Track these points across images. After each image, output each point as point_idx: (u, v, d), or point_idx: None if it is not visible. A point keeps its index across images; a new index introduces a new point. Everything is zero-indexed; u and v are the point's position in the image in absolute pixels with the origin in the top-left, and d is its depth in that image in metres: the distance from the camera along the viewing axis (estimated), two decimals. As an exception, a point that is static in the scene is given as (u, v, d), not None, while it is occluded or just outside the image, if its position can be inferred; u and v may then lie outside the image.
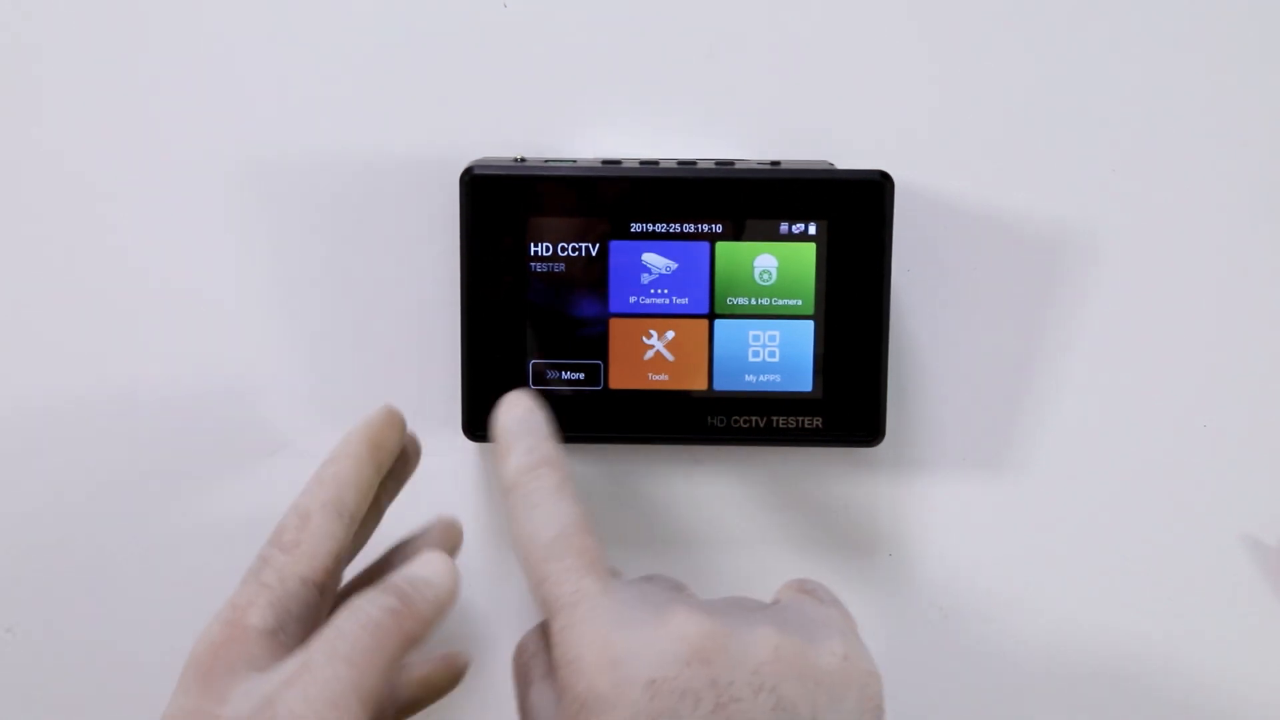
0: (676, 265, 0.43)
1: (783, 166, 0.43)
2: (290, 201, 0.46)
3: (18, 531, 0.47)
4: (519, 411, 0.38)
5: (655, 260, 0.43)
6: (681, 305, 0.43)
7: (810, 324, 0.43)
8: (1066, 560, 0.48)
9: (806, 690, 0.33)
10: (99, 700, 0.48)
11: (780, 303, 0.43)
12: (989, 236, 0.46)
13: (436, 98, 0.46)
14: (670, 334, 0.43)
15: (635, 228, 0.43)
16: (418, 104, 0.46)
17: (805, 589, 0.38)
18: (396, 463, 0.41)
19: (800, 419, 0.44)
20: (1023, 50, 0.45)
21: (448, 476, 0.45)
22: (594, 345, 0.43)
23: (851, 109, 0.46)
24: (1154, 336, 0.47)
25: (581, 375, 0.44)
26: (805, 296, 0.43)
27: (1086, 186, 0.46)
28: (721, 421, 0.44)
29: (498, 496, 0.45)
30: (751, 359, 0.44)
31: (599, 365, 0.44)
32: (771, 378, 0.44)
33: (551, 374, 0.44)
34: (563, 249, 0.43)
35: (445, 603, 0.36)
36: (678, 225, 0.43)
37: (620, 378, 0.44)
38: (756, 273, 0.43)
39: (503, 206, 0.43)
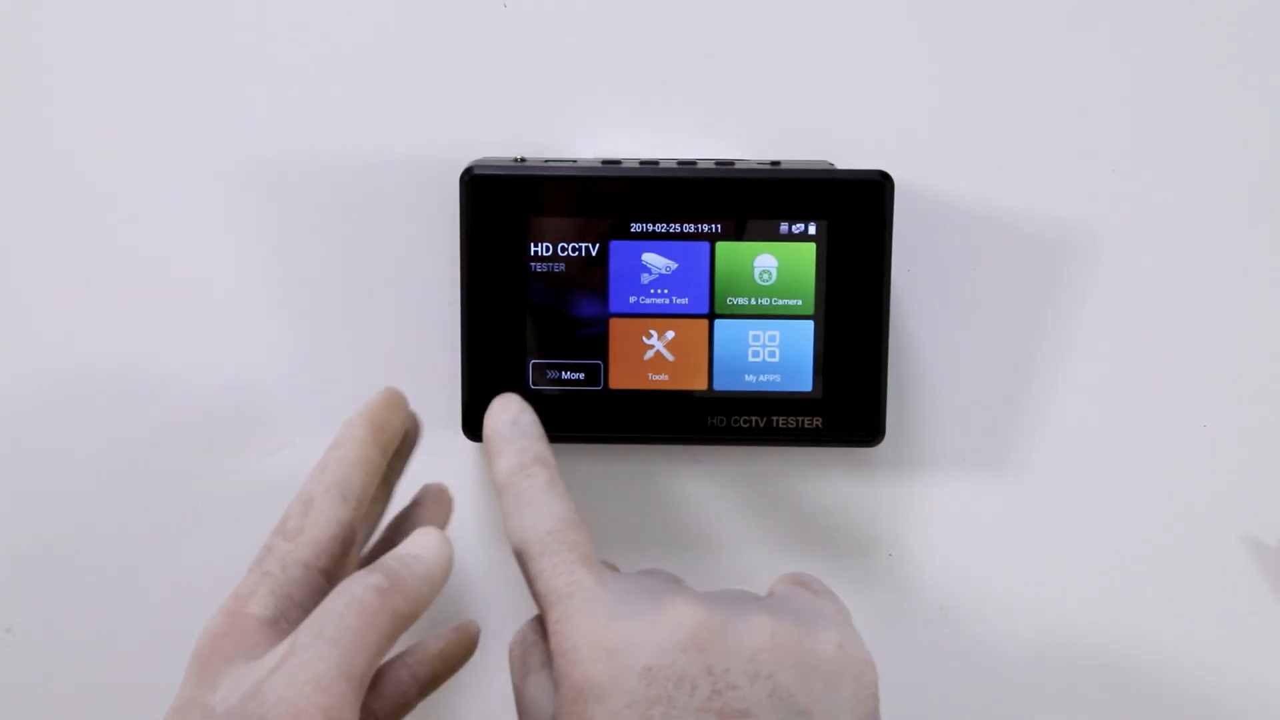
0: (676, 265, 0.43)
1: (783, 166, 0.43)
2: (290, 201, 0.46)
3: (18, 531, 0.47)
4: (509, 414, 0.39)
5: (655, 260, 0.43)
6: (681, 305, 0.43)
7: (810, 324, 0.43)
8: (1066, 560, 0.47)
9: (803, 677, 0.33)
10: (99, 700, 0.48)
11: (780, 303, 0.43)
12: (989, 236, 0.46)
13: (436, 98, 0.46)
14: (670, 334, 0.43)
15: (635, 228, 0.43)
16: (417, 104, 0.46)
17: (799, 581, 0.38)
18: (401, 442, 0.41)
19: (800, 419, 0.44)
20: (1023, 50, 0.45)
21: (448, 476, 0.45)
22: (594, 345, 0.43)
23: (851, 109, 0.46)
24: (1154, 336, 0.47)
25: (581, 375, 0.44)
26: (805, 296, 0.43)
27: (1086, 186, 0.46)
28: (721, 421, 0.44)
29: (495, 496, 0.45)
30: (751, 359, 0.44)
31: (599, 365, 0.44)
32: (771, 378, 0.44)
33: (551, 374, 0.44)
34: (563, 249, 0.43)
35: (437, 577, 0.36)
36: (678, 225, 0.43)
37: (620, 378, 0.44)
38: (756, 273, 0.43)
39: (503, 206, 0.42)
